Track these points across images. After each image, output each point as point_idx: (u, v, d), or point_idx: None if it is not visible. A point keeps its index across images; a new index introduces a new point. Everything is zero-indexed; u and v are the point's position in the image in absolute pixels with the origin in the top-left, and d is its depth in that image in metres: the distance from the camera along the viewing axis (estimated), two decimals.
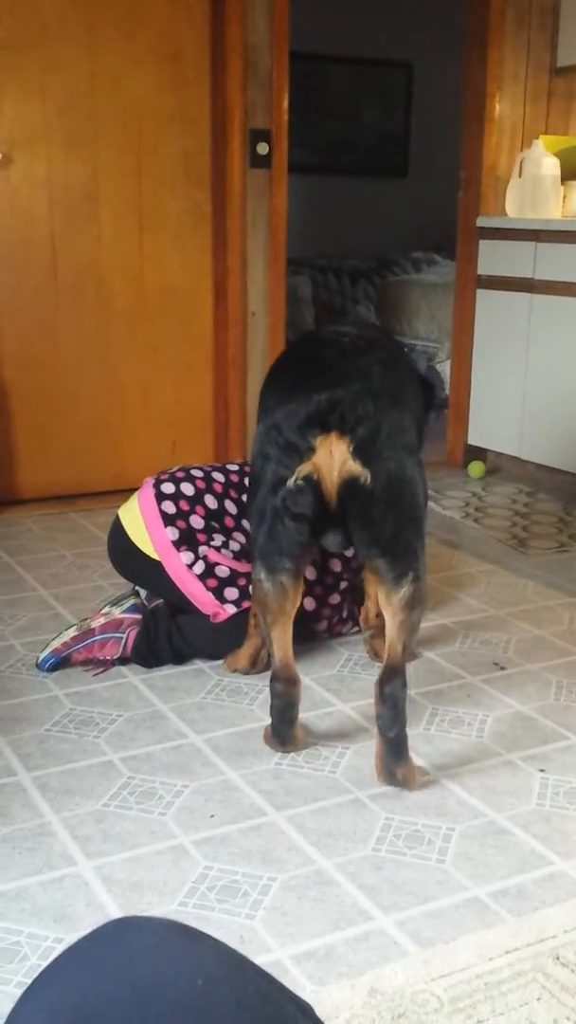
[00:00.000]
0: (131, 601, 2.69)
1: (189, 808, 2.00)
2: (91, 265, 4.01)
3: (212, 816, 1.98)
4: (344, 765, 2.16)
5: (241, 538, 2.68)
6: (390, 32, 7.01)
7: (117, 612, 2.66)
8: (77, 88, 3.84)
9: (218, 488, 2.72)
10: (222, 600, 2.59)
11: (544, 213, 4.25)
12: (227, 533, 2.68)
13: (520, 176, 4.29)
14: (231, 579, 2.61)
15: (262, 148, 4.09)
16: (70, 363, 4.05)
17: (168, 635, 2.60)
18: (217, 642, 2.64)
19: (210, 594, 2.59)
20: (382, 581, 2.03)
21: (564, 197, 4.32)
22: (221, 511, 2.69)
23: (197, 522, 2.64)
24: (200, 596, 2.59)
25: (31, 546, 3.58)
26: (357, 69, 7.10)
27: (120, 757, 2.19)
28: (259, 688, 2.51)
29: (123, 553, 2.74)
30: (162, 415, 4.25)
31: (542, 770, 2.16)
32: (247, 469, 2.83)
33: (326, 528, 2.03)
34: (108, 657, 2.59)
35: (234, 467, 2.82)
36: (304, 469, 1.95)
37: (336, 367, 2.02)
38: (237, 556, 2.65)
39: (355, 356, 2.06)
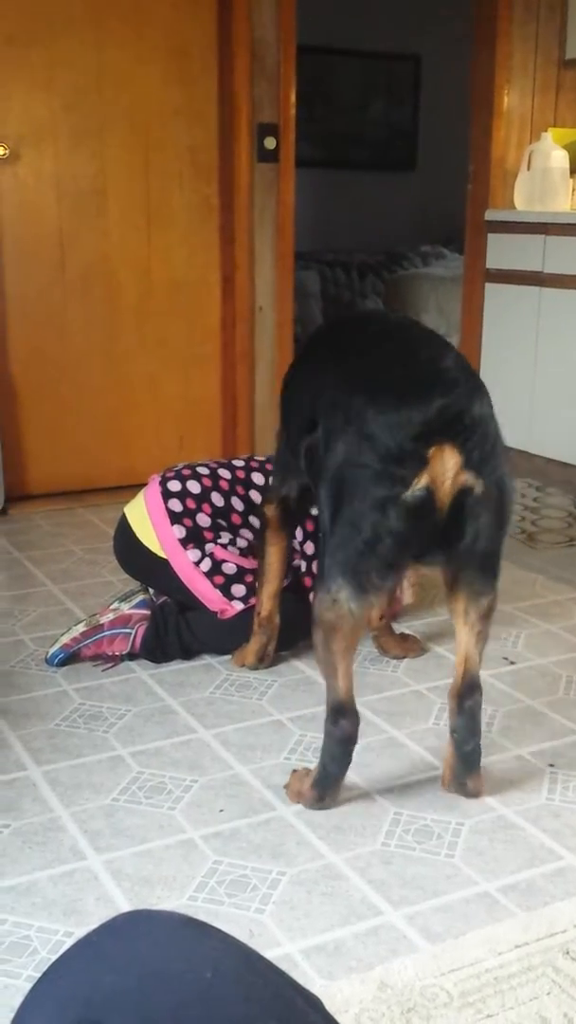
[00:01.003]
0: (140, 597, 2.69)
1: (198, 803, 2.01)
2: (99, 260, 4.01)
3: (221, 811, 1.98)
4: (354, 762, 2.16)
5: (248, 534, 2.68)
6: (398, 25, 6.99)
7: (126, 608, 2.66)
8: (84, 83, 3.84)
9: (224, 485, 2.72)
10: (229, 597, 2.59)
11: (553, 206, 4.24)
12: (234, 530, 2.68)
13: (529, 169, 4.28)
14: (238, 576, 2.61)
15: (269, 142, 4.08)
16: (78, 358, 4.05)
17: (177, 630, 2.61)
18: (226, 637, 2.64)
19: (217, 591, 2.59)
20: (466, 593, 1.97)
21: (573, 190, 4.30)
22: (228, 508, 2.69)
23: (204, 520, 2.64)
24: (207, 593, 2.60)
25: (40, 541, 3.59)
26: (365, 62, 7.08)
27: (129, 752, 2.19)
28: (268, 683, 2.52)
29: (130, 551, 2.75)
30: (170, 410, 4.25)
31: (551, 765, 2.16)
32: (254, 464, 2.82)
33: (429, 542, 1.89)
34: (117, 653, 2.59)
35: (240, 463, 2.82)
36: (421, 480, 1.79)
37: (439, 368, 1.90)
38: (243, 553, 2.65)
39: (444, 355, 1.95)
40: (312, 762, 2.14)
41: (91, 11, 3.79)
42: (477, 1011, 1.49)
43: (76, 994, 0.66)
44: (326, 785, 1.99)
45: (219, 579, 2.59)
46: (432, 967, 1.57)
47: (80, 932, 1.63)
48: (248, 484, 2.75)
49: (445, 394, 1.82)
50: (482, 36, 4.38)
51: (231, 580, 2.60)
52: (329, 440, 1.91)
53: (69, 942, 1.62)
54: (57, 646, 2.59)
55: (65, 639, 2.60)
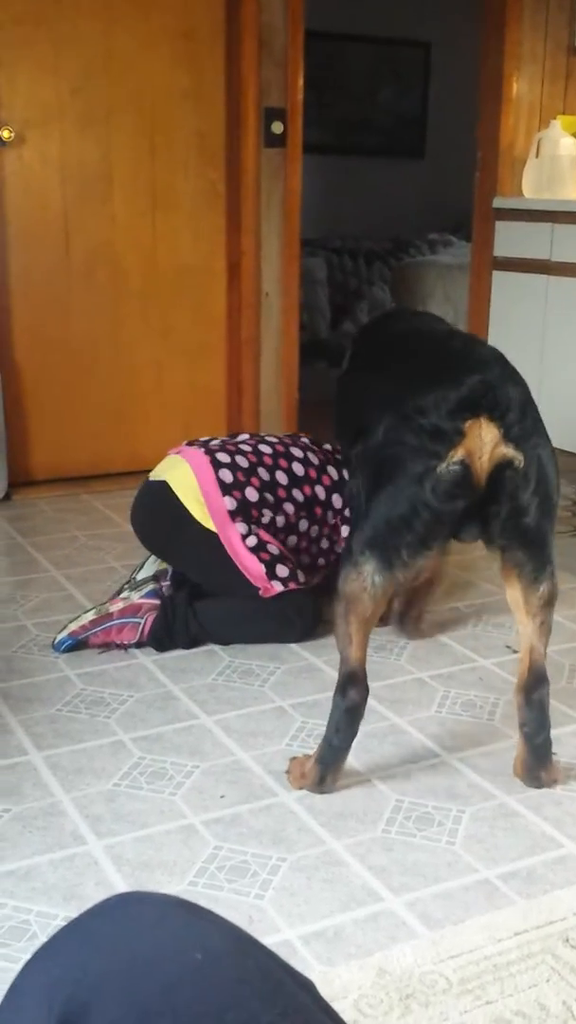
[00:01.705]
0: (150, 586, 2.69)
1: (199, 788, 2.00)
2: (104, 245, 3.99)
3: (222, 796, 1.98)
4: (355, 747, 2.15)
5: (290, 508, 2.68)
6: (408, 11, 6.95)
7: (136, 597, 2.65)
8: (91, 66, 3.82)
9: (268, 461, 2.71)
10: (272, 575, 2.58)
11: (561, 194, 4.22)
12: (278, 504, 2.66)
13: (537, 157, 4.25)
14: (281, 557, 2.61)
15: (277, 127, 4.06)
16: (83, 344, 4.04)
17: (185, 621, 2.60)
18: (233, 629, 2.64)
19: (262, 566, 2.58)
20: (520, 576, 1.97)
21: None
22: (273, 482, 2.68)
23: (252, 494, 2.63)
24: (253, 568, 2.58)
25: (44, 527, 3.59)
26: (374, 48, 7.04)
27: (131, 737, 2.19)
28: (270, 670, 2.51)
29: (163, 520, 2.68)
30: (175, 396, 4.24)
31: (554, 753, 2.15)
32: (287, 440, 2.83)
33: (465, 519, 1.91)
34: (125, 642, 2.59)
35: (273, 439, 2.82)
36: (457, 454, 1.83)
37: (471, 352, 2.00)
38: (282, 532, 2.65)
39: (475, 343, 2.05)
40: (313, 748, 2.14)
41: None
42: (476, 998, 1.49)
43: (65, 976, 0.66)
44: (329, 760, 1.98)
45: (265, 556, 2.59)
46: (431, 954, 1.57)
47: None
48: (290, 457, 2.74)
49: (480, 372, 1.88)
50: (491, 23, 4.35)
51: (275, 560, 2.60)
52: (369, 431, 1.97)
53: None
54: (64, 633, 2.59)
55: (73, 626, 2.59)
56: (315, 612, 2.66)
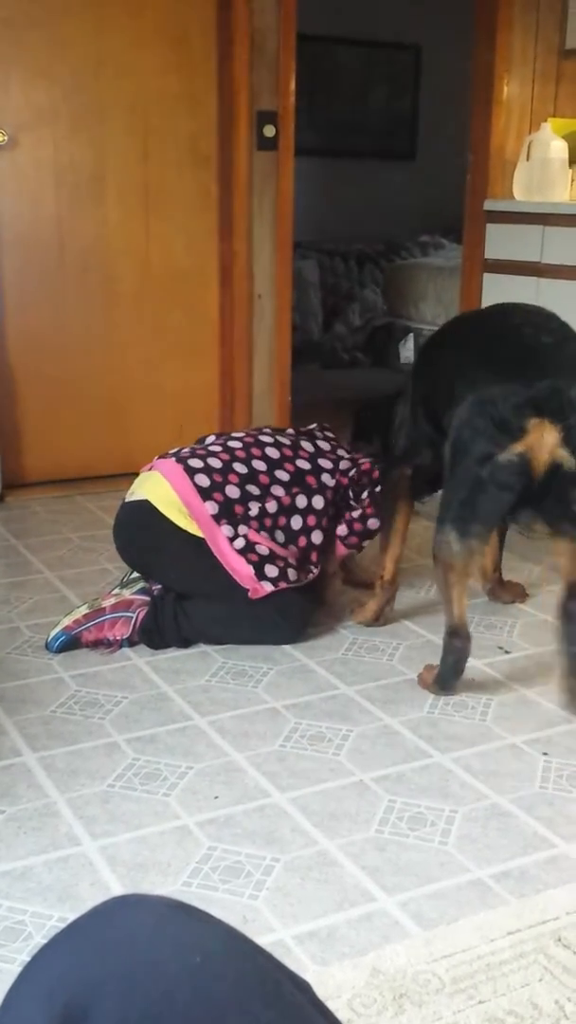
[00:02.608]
0: (141, 583, 2.70)
1: (193, 789, 2.01)
2: (97, 248, 4.00)
3: (216, 797, 1.99)
4: (348, 748, 2.17)
5: (279, 491, 2.68)
6: (399, 14, 6.97)
7: (127, 593, 2.66)
8: (84, 69, 3.83)
9: (241, 454, 2.72)
10: (261, 576, 2.58)
11: (552, 196, 4.23)
12: (264, 491, 2.66)
13: (528, 159, 4.27)
14: (270, 557, 2.61)
15: (269, 130, 4.07)
16: (76, 346, 4.04)
17: (175, 619, 2.61)
18: (223, 628, 2.64)
19: (251, 567, 2.58)
20: (567, 544, 2.28)
21: (572, 180, 4.29)
22: (252, 472, 2.68)
23: (233, 492, 2.64)
24: (242, 570, 2.58)
25: (37, 529, 3.59)
26: (366, 51, 7.06)
27: (125, 739, 2.20)
28: (264, 671, 2.52)
29: (149, 538, 2.68)
30: (168, 398, 4.25)
31: (545, 753, 2.17)
32: (252, 430, 2.87)
33: (522, 503, 2.20)
34: (118, 637, 2.59)
35: (239, 433, 2.85)
36: (517, 448, 2.11)
37: (555, 356, 2.24)
38: (273, 525, 2.65)
39: (565, 345, 2.28)
40: (307, 751, 2.15)
41: None
42: (469, 997, 1.50)
43: (64, 979, 0.66)
44: (443, 685, 2.39)
45: (253, 557, 2.59)
46: (424, 953, 1.58)
47: (74, 917, 1.64)
48: (260, 444, 2.76)
49: (554, 375, 2.13)
50: (483, 26, 4.36)
51: (264, 560, 2.60)
52: (455, 407, 2.23)
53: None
54: (58, 628, 2.60)
55: (67, 621, 2.60)
56: (303, 615, 2.67)
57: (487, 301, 4.45)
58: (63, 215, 3.91)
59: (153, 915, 0.71)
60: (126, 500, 2.76)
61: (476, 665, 2.58)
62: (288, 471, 2.72)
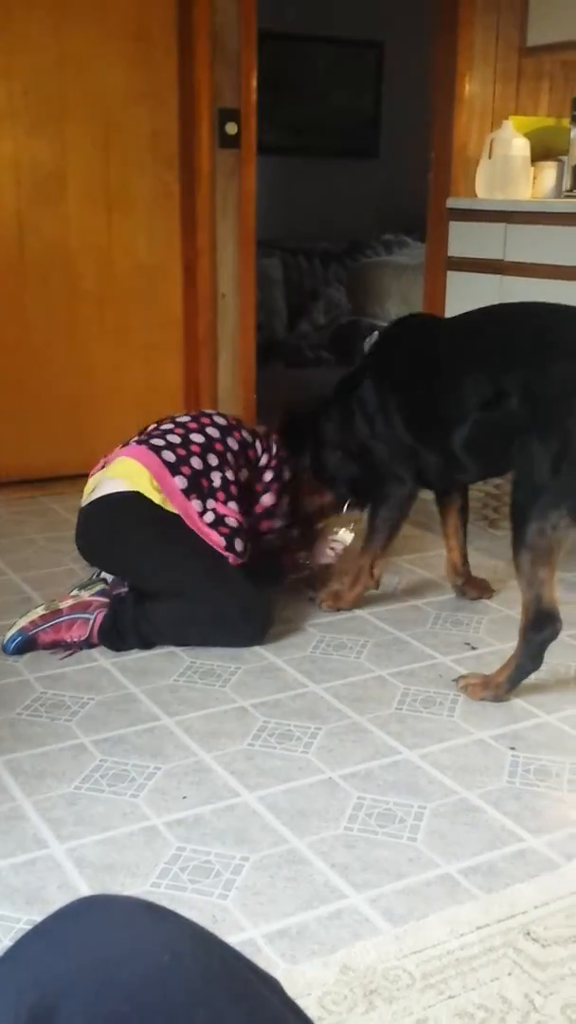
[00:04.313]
0: (100, 586, 2.68)
1: (161, 790, 2.00)
2: (58, 246, 3.97)
3: (184, 797, 1.98)
4: (316, 745, 2.17)
5: (230, 458, 2.74)
6: (361, 12, 6.97)
7: (86, 595, 2.65)
8: (43, 67, 3.80)
9: (193, 426, 2.78)
10: (231, 548, 2.61)
11: (514, 194, 4.25)
12: (222, 459, 2.71)
13: (490, 157, 4.29)
14: (239, 530, 2.64)
15: (231, 128, 4.06)
16: (38, 346, 4.01)
17: (134, 620, 2.59)
18: (183, 629, 2.63)
19: (223, 540, 2.61)
20: None
21: (534, 178, 4.32)
22: (209, 440, 2.73)
23: (197, 462, 2.66)
24: (217, 540, 2.61)
25: (1, 530, 3.56)
26: (328, 49, 7.06)
27: (92, 740, 2.18)
28: (232, 670, 2.51)
29: (120, 527, 2.67)
30: (132, 397, 4.22)
31: (512, 748, 2.18)
32: (192, 411, 3.01)
33: None
34: (75, 639, 2.58)
35: (181, 415, 2.90)
36: None
37: None
38: (238, 493, 2.71)
39: None
40: (276, 750, 2.15)
41: None
42: (439, 992, 1.50)
43: (31, 981, 0.66)
44: (519, 680, 2.39)
45: (224, 530, 2.62)
46: (394, 949, 1.58)
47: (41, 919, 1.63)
48: (208, 416, 2.87)
49: None
50: (443, 24, 4.38)
51: (234, 533, 2.62)
52: (541, 404, 2.32)
53: None
54: (14, 630, 2.57)
55: (23, 622, 2.58)
56: (265, 617, 2.66)
57: (451, 298, 4.47)
58: (23, 213, 3.88)
59: (120, 915, 0.70)
60: (85, 503, 2.75)
61: (444, 661, 2.58)
62: (236, 439, 2.79)
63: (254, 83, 4.07)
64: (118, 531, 2.69)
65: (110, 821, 1.90)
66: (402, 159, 7.23)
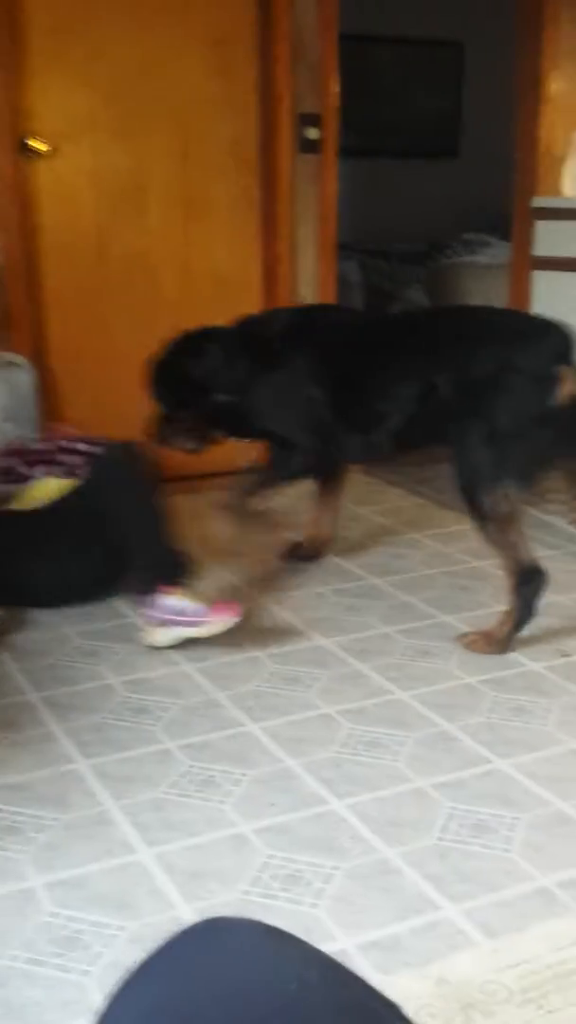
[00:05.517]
0: None
1: (249, 796, 1.98)
2: (138, 255, 3.99)
3: (272, 804, 1.95)
4: (405, 754, 2.13)
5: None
6: (440, 11, 6.93)
7: None
8: (123, 75, 3.82)
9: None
10: None
11: None
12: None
13: None
14: None
15: (312, 132, 4.04)
16: (118, 355, 4.02)
17: None
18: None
19: None
20: None
21: None
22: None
23: None
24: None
25: None
26: (406, 49, 7.03)
27: (177, 745, 2.17)
28: (315, 676, 2.49)
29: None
30: None
31: None
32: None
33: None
34: None
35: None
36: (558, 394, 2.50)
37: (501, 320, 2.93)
38: None
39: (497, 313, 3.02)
40: (362, 758, 2.12)
41: (130, 2, 3.77)
42: (538, 1007, 1.45)
43: (158, 1006, 0.64)
44: (521, 628, 2.59)
45: None
46: (491, 963, 1.54)
47: (133, 926, 1.62)
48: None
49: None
50: (527, 21, 4.31)
51: None
52: (469, 389, 2.56)
53: (123, 936, 1.60)
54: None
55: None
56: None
57: (537, 298, 4.40)
58: (104, 223, 3.91)
59: (246, 939, 0.68)
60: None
61: (535, 669, 2.52)
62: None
63: (336, 87, 4.04)
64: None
65: (197, 827, 1.88)
66: (483, 158, 7.16)
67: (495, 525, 2.53)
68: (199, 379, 3.02)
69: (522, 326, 2.77)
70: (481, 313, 2.83)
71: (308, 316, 3.09)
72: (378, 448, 2.88)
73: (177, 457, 3.20)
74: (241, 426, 3.03)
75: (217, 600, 2.65)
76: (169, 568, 2.64)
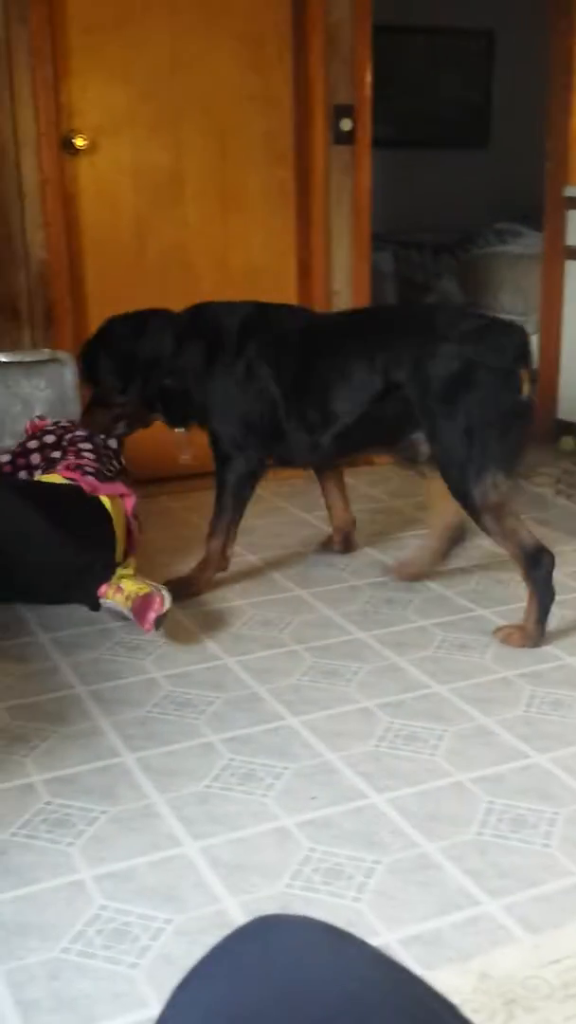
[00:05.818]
0: None
1: (290, 790, 2.02)
2: (176, 247, 4.02)
3: (313, 798, 1.99)
4: (444, 748, 2.16)
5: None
6: (470, 1, 6.88)
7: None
8: (160, 71, 3.84)
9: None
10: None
11: None
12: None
13: None
14: None
15: (346, 124, 4.05)
16: None
17: None
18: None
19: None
20: None
21: None
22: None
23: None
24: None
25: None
26: (436, 39, 6.99)
27: (220, 739, 2.21)
28: (354, 670, 2.52)
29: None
30: None
31: None
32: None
33: None
34: None
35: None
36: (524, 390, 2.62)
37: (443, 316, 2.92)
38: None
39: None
40: (402, 751, 2.14)
41: None
42: None
43: (218, 1006, 0.65)
44: (547, 611, 2.63)
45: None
46: (533, 958, 1.56)
47: (180, 919, 1.66)
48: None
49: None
50: (559, 9, 4.29)
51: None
52: (435, 387, 2.64)
53: (170, 929, 1.64)
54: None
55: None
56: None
57: (570, 287, 4.39)
58: (142, 217, 3.94)
59: (303, 938, 0.70)
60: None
61: (572, 663, 2.54)
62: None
63: (369, 79, 4.05)
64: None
65: (241, 820, 1.92)
66: (514, 148, 7.11)
67: (490, 515, 2.60)
68: (147, 360, 2.95)
69: (481, 324, 2.80)
70: (437, 311, 3.09)
71: (266, 311, 3.03)
72: (320, 450, 2.90)
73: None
74: (183, 413, 3.06)
75: (136, 599, 2.53)
76: (79, 576, 2.62)
